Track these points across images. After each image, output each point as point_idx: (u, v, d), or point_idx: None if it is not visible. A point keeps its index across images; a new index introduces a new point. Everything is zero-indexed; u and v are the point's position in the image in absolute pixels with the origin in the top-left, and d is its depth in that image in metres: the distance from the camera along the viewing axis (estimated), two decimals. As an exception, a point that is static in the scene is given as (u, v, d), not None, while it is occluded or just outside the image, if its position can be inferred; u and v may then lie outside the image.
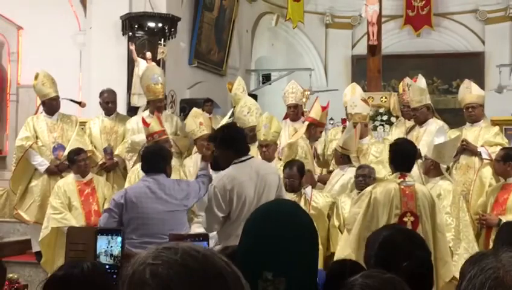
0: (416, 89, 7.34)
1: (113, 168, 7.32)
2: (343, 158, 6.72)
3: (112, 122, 7.60)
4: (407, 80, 7.92)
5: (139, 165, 6.81)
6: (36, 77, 7.44)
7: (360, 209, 4.95)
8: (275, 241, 1.75)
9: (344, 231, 5.85)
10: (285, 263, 1.72)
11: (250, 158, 4.83)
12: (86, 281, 2.04)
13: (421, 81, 7.56)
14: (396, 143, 5.38)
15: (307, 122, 7.53)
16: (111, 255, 3.67)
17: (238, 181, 4.67)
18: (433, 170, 5.84)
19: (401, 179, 4.90)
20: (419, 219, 4.76)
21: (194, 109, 7.71)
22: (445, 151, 5.84)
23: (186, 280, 1.12)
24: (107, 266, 3.46)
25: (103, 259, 3.61)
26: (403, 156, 5.07)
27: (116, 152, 7.37)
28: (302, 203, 6.21)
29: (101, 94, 7.70)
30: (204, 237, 2.45)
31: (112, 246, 3.73)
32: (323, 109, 7.65)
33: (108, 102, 7.61)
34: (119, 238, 3.77)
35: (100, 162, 7.25)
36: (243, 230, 1.88)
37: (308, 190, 6.23)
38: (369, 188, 5.07)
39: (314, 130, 7.44)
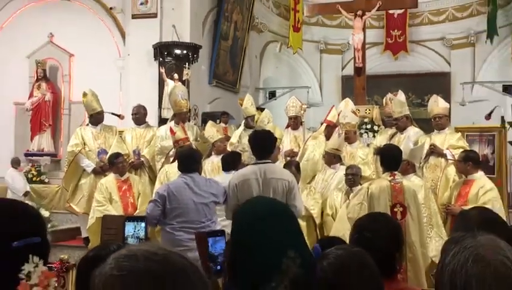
0: (397, 102, 7.35)
1: (140, 166, 7.37)
2: (336, 158, 6.75)
3: (142, 130, 7.66)
4: (389, 95, 7.91)
5: (167, 166, 6.86)
6: (85, 95, 7.51)
7: (358, 201, 5.00)
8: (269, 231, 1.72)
9: (337, 218, 5.90)
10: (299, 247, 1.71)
11: (264, 162, 4.74)
12: None
13: (401, 96, 7.54)
14: (385, 148, 5.41)
15: (324, 124, 7.63)
16: (137, 237, 3.71)
17: (245, 178, 4.68)
18: (410, 168, 5.87)
19: (392, 177, 4.92)
20: (407, 208, 4.78)
21: (210, 122, 7.84)
22: (417, 153, 5.89)
23: (153, 283, 1.04)
24: (133, 247, 3.48)
25: (130, 241, 3.63)
26: (391, 158, 5.07)
27: (142, 153, 7.44)
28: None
29: (132, 109, 7.84)
30: (221, 233, 2.45)
31: (138, 230, 3.79)
32: (339, 114, 7.78)
33: (133, 114, 7.71)
34: (143, 224, 3.83)
35: (130, 162, 7.29)
36: (236, 228, 1.82)
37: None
38: (366, 185, 5.10)
39: (331, 130, 7.49)
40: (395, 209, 4.81)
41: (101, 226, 5.23)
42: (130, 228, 3.78)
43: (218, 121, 9.64)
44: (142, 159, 7.38)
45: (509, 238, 2.24)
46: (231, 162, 6.10)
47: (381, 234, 2.40)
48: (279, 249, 1.63)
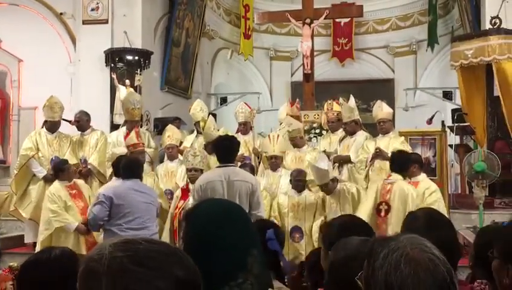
0: (347, 107, 7.45)
1: (88, 174, 7.24)
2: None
3: (87, 137, 7.53)
4: (340, 100, 8.02)
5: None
6: (48, 100, 7.34)
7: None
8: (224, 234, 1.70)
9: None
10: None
11: (228, 165, 4.85)
12: (53, 265, 1.90)
13: (351, 101, 7.61)
14: (394, 152, 5.93)
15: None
16: None
17: (209, 180, 4.79)
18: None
19: (386, 178, 5.42)
20: (391, 207, 5.16)
21: (169, 125, 7.81)
22: (324, 174, 5.93)
23: (159, 259, 1.10)
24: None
25: None
26: (398, 161, 5.54)
27: (89, 161, 7.30)
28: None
29: (74, 116, 7.71)
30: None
31: None
32: (292, 104, 7.91)
33: (76, 120, 7.59)
34: None
35: (78, 170, 7.14)
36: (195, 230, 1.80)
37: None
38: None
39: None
40: (380, 207, 5.13)
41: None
42: None
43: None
44: (89, 166, 7.25)
45: (454, 237, 2.32)
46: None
47: None
48: (242, 249, 1.63)
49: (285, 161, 7.23)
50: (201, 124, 7.70)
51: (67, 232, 6.17)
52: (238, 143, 5.21)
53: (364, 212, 5.27)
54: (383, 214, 5.06)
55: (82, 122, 7.55)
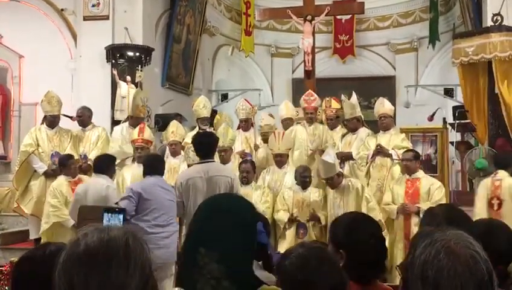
0: (348, 104, 7.46)
1: (88, 169, 7.24)
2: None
3: (88, 132, 7.54)
4: (342, 97, 8.03)
5: (124, 171, 6.82)
6: (46, 95, 7.35)
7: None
8: (215, 229, 1.72)
9: None
10: (220, 243, 1.70)
11: (208, 161, 4.93)
12: (48, 261, 1.89)
13: (353, 98, 7.60)
14: (497, 153, 6.42)
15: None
16: None
17: (190, 177, 4.90)
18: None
19: (494, 175, 5.86)
20: (503, 201, 5.61)
21: (173, 121, 7.83)
22: (331, 168, 5.96)
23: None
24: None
25: None
26: (502, 159, 6.00)
27: (89, 156, 7.30)
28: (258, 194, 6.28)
29: (76, 111, 7.71)
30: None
31: (113, 222, 3.80)
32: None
33: (78, 116, 7.61)
34: (121, 216, 3.84)
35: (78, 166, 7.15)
36: (193, 221, 1.84)
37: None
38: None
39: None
40: (492, 202, 5.64)
41: (78, 217, 5.19)
42: (105, 219, 3.79)
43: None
44: (89, 162, 7.25)
45: (471, 233, 2.31)
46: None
47: None
48: (194, 246, 1.66)
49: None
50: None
51: (66, 227, 6.18)
52: (217, 139, 5.31)
53: (479, 209, 5.73)
54: (495, 208, 5.61)
55: (84, 117, 7.57)
